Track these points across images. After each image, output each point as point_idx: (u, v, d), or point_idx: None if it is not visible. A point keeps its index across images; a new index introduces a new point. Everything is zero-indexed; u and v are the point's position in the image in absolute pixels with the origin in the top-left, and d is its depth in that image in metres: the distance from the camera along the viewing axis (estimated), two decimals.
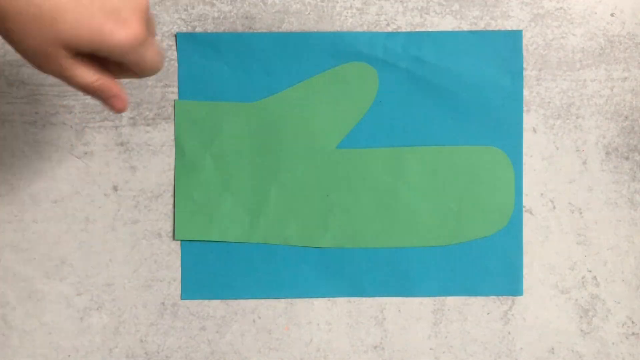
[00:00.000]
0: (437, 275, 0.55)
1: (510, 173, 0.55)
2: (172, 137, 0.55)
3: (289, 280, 0.55)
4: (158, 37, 0.54)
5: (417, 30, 0.55)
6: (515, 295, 0.55)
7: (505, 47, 0.55)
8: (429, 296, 0.55)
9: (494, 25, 0.55)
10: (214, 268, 0.55)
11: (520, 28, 0.55)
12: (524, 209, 0.55)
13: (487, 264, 0.55)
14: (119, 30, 0.31)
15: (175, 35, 0.54)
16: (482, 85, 0.54)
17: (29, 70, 0.54)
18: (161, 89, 0.55)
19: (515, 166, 0.55)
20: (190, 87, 0.55)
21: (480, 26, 0.55)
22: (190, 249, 0.55)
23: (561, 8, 0.55)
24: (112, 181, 0.55)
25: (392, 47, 0.54)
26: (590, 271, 0.56)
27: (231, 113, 0.55)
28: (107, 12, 0.31)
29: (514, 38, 0.55)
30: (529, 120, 0.55)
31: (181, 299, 0.55)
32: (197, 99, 0.55)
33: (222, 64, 0.54)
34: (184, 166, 0.55)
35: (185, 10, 0.54)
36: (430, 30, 0.55)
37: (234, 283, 0.55)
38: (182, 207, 0.55)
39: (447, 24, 0.55)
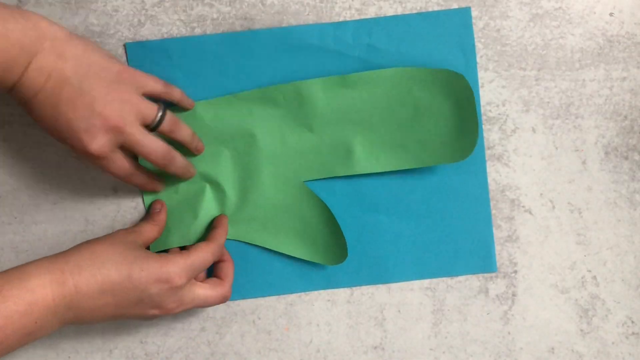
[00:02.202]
0: (409, 259, 0.55)
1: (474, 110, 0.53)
2: None
3: (261, 278, 0.55)
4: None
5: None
6: (489, 272, 0.55)
7: (455, 25, 0.54)
8: (403, 281, 0.55)
9: (493, 26, 0.55)
10: None
11: (517, 32, 0.55)
12: (523, 209, 0.55)
13: (458, 243, 0.55)
14: (90, 144, 0.46)
15: (124, 46, 0.54)
16: (436, 65, 0.54)
17: None
18: None
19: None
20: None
21: (480, 26, 0.55)
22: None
23: (560, 8, 0.55)
24: (112, 183, 0.55)
25: (343, 37, 0.54)
26: (589, 271, 0.56)
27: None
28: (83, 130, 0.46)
29: (462, 15, 0.54)
30: (529, 120, 0.55)
31: None
32: None
33: (174, 70, 0.54)
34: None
35: (184, 11, 0.54)
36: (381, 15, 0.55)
37: None
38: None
39: None
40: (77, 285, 0.44)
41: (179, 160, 0.51)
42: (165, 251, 0.54)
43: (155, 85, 0.49)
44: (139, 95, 0.48)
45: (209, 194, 0.55)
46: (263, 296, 0.56)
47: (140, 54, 0.54)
